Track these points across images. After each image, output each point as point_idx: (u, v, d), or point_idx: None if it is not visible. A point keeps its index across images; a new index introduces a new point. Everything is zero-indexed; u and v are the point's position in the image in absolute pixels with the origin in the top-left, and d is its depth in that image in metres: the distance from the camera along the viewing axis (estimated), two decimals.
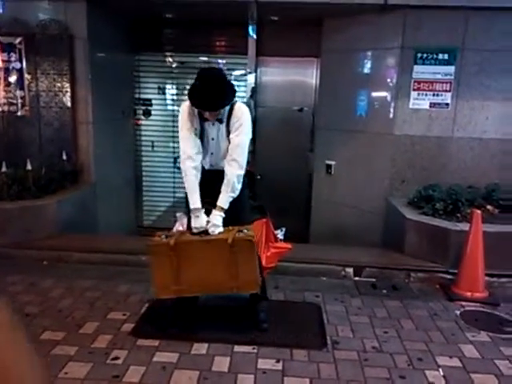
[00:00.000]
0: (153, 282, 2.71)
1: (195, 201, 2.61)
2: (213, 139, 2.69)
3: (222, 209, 2.62)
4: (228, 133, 2.66)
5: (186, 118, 2.65)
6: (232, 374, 2.43)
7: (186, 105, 2.69)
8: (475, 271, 3.39)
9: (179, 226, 2.94)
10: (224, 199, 2.62)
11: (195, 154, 2.64)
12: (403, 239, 3.96)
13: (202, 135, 2.68)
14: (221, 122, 2.64)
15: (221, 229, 2.62)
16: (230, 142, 2.65)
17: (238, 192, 2.65)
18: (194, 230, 2.64)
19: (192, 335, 2.77)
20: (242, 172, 2.65)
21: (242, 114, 2.65)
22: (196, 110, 2.63)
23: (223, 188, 2.62)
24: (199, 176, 2.66)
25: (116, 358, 2.52)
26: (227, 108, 2.63)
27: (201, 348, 2.65)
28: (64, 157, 4.53)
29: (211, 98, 2.49)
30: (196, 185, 2.63)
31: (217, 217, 2.62)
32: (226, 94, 2.54)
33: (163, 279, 2.64)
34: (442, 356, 2.64)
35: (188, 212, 2.75)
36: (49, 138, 4.64)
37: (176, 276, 2.62)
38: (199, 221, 2.62)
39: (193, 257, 2.60)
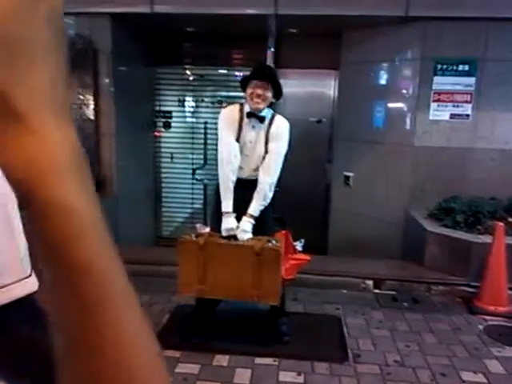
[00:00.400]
0: (178, 278, 2.74)
1: (228, 204, 2.67)
2: (250, 142, 2.74)
3: (252, 216, 2.66)
4: (266, 140, 2.72)
5: (226, 120, 2.72)
6: None
7: (226, 109, 2.81)
8: (498, 285, 3.34)
9: None
10: (255, 207, 2.67)
11: (234, 157, 2.69)
12: (423, 251, 3.92)
13: (238, 138, 2.73)
14: (262, 121, 2.70)
15: (250, 235, 2.67)
16: (266, 151, 2.71)
17: (268, 200, 2.70)
18: (224, 233, 2.68)
19: (213, 347, 2.79)
20: (275, 181, 2.71)
21: (281, 124, 2.75)
22: (237, 113, 2.71)
23: (255, 195, 2.67)
24: (235, 179, 2.70)
25: None
26: (269, 116, 2.73)
27: (222, 360, 2.67)
28: None
29: (264, 67, 2.82)
30: (231, 189, 2.67)
31: (246, 223, 2.66)
32: (276, 75, 2.75)
33: (188, 277, 2.68)
34: (466, 371, 2.60)
35: (215, 218, 2.80)
36: None
37: (201, 275, 2.67)
38: (230, 223, 2.67)
39: (219, 259, 2.65)
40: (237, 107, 2.76)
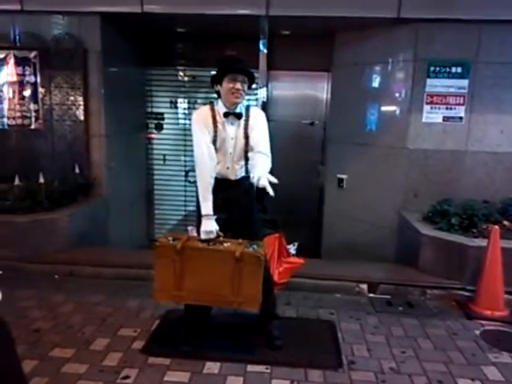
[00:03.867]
0: (153, 284, 2.64)
1: (208, 207, 2.58)
2: (232, 138, 2.67)
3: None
4: (246, 134, 2.67)
5: (200, 123, 2.64)
6: None
7: (198, 112, 2.71)
8: (495, 289, 3.30)
9: None
10: (262, 168, 2.42)
11: (209, 158, 2.61)
12: (418, 255, 3.88)
13: (215, 139, 2.65)
14: (239, 117, 2.66)
15: (267, 182, 2.30)
16: (248, 142, 2.65)
17: (268, 169, 2.47)
18: (203, 235, 2.58)
19: (204, 354, 2.71)
20: (269, 155, 2.61)
21: (257, 114, 2.74)
22: (210, 114, 2.63)
23: (254, 163, 2.54)
24: (213, 182, 2.62)
25: (126, 377, 2.47)
26: (244, 110, 2.68)
27: (213, 367, 2.59)
28: (77, 170, 4.54)
29: (239, 60, 2.66)
30: (210, 191, 2.59)
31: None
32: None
33: (164, 282, 2.59)
34: (463, 378, 2.54)
35: (198, 224, 2.70)
36: (62, 151, 4.66)
37: (177, 281, 2.57)
38: (209, 226, 2.57)
39: (197, 264, 2.54)
40: (208, 107, 2.69)
